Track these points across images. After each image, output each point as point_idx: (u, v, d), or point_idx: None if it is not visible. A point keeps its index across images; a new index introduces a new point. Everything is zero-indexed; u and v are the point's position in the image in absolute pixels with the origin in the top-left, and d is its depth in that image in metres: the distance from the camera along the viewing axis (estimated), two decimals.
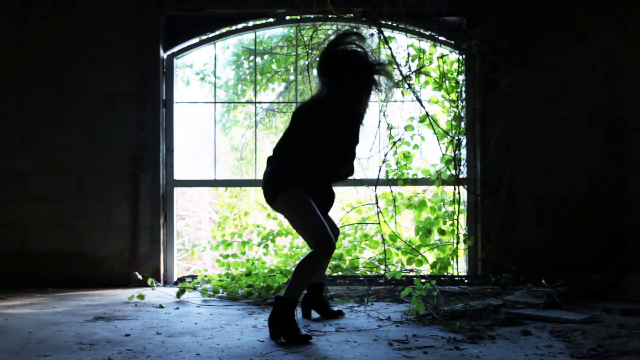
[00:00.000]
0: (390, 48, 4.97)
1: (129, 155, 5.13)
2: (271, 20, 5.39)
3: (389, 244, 5.07)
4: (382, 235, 4.98)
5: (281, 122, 7.30)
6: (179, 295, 4.48)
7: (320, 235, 3.28)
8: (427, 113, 5.01)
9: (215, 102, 5.66)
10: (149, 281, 4.86)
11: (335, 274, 5.03)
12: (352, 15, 5.17)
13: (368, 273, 5.08)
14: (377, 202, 4.97)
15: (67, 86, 5.15)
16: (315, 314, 3.83)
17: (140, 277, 5.01)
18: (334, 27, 5.51)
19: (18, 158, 5.15)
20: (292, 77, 6.67)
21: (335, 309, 3.87)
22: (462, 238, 5.10)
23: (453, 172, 5.03)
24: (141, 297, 4.39)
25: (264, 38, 6.49)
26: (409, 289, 4.18)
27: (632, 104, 5.09)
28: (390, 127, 5.02)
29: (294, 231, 5.23)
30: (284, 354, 2.94)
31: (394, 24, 5.17)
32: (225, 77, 6.85)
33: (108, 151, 5.13)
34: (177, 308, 4.16)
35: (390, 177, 5.10)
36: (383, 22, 5.10)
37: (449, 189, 5.17)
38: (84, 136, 5.14)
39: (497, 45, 4.91)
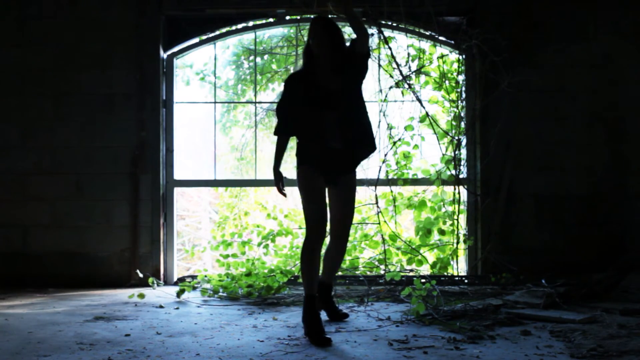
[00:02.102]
0: (390, 48, 4.97)
1: (129, 155, 5.13)
2: (271, 20, 5.39)
3: (389, 244, 5.07)
4: (382, 235, 4.98)
5: None
6: (179, 295, 4.48)
7: (306, 219, 3.51)
8: (427, 113, 5.01)
9: (215, 102, 5.66)
10: (150, 280, 4.86)
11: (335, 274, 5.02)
12: None
13: (368, 273, 5.08)
14: (377, 202, 4.97)
15: (67, 86, 5.15)
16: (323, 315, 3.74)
17: (140, 275, 5.00)
18: None
19: (18, 158, 5.15)
20: None
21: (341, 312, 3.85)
22: (462, 238, 5.10)
23: (453, 172, 5.03)
24: (141, 296, 4.39)
25: (264, 38, 6.48)
26: (409, 289, 4.18)
27: (632, 104, 5.09)
28: (390, 127, 5.02)
29: (294, 231, 5.25)
30: (284, 354, 2.94)
31: (394, 24, 5.18)
32: (225, 77, 6.84)
33: (108, 151, 5.13)
34: (177, 308, 4.16)
35: (390, 177, 5.10)
36: (383, 22, 5.10)
37: (449, 189, 5.17)
38: (84, 136, 5.14)
39: (497, 45, 4.91)
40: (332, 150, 3.50)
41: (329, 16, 5.02)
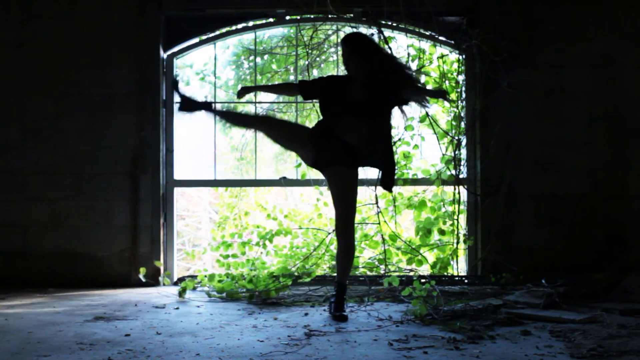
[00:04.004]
0: (390, 48, 4.97)
1: (129, 155, 5.12)
2: (271, 20, 5.39)
3: (389, 244, 5.07)
4: (382, 235, 4.98)
5: None
6: (180, 295, 4.47)
7: None
8: (427, 113, 5.02)
9: (215, 102, 5.66)
10: (167, 274, 4.82)
11: (335, 274, 5.02)
12: (352, 15, 5.17)
13: (368, 273, 5.08)
14: (377, 202, 4.98)
15: (67, 86, 5.15)
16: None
17: (142, 278, 4.98)
18: (334, 27, 5.52)
19: (18, 158, 5.14)
20: (292, 77, 6.67)
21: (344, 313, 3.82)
22: (462, 238, 5.10)
23: (453, 172, 5.03)
24: (143, 293, 4.40)
25: (264, 38, 6.49)
26: (409, 289, 4.18)
27: (631, 104, 5.09)
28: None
29: (294, 231, 5.25)
30: (284, 354, 2.94)
31: (394, 24, 5.17)
32: (225, 77, 6.84)
33: (108, 151, 5.13)
34: (177, 308, 4.15)
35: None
36: (383, 22, 5.10)
37: (449, 189, 5.17)
38: (84, 136, 5.14)
39: (497, 45, 4.91)
40: (336, 140, 3.74)
41: (329, 16, 5.04)
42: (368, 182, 4.99)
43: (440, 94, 3.66)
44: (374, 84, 3.77)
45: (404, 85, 3.74)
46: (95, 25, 5.15)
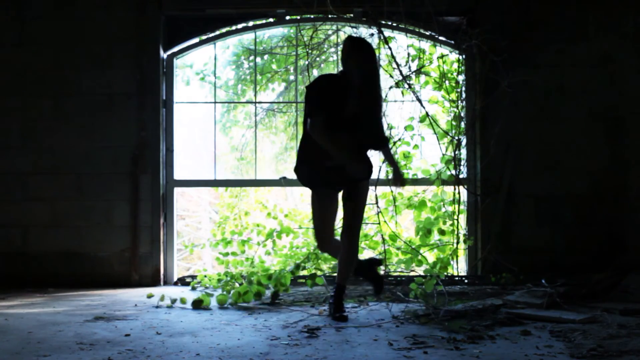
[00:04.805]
0: (390, 48, 4.97)
1: (129, 155, 5.12)
2: (271, 20, 5.39)
3: (389, 244, 5.07)
4: (382, 235, 4.98)
5: (281, 122, 7.30)
6: (192, 304, 4.41)
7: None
8: (427, 113, 5.02)
9: (215, 102, 5.66)
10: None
11: (335, 274, 5.02)
12: (352, 15, 5.17)
13: None
14: (377, 202, 4.97)
15: (67, 86, 5.15)
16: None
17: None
18: (334, 27, 5.52)
19: (18, 158, 5.15)
20: (292, 77, 6.67)
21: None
22: (462, 238, 5.10)
23: (453, 172, 5.03)
24: (143, 294, 4.40)
25: (264, 38, 6.49)
26: (414, 285, 4.20)
27: (631, 104, 5.09)
28: (390, 127, 5.02)
29: (295, 230, 5.25)
30: (284, 354, 2.94)
31: (394, 24, 5.18)
32: (225, 77, 6.84)
33: (108, 151, 5.13)
34: (178, 308, 4.15)
35: (390, 177, 5.10)
36: (383, 22, 5.10)
37: (449, 189, 5.17)
38: (84, 136, 5.14)
39: (497, 45, 4.91)
40: (328, 168, 3.74)
41: (329, 16, 5.04)
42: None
43: (399, 180, 3.99)
44: (366, 94, 3.69)
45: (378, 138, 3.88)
46: (96, 25, 5.15)
